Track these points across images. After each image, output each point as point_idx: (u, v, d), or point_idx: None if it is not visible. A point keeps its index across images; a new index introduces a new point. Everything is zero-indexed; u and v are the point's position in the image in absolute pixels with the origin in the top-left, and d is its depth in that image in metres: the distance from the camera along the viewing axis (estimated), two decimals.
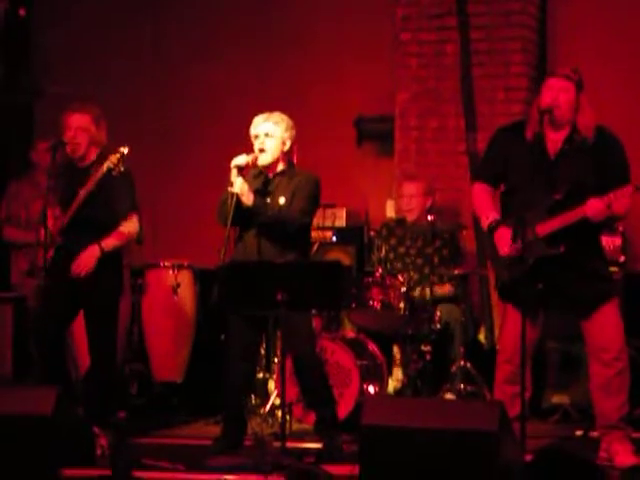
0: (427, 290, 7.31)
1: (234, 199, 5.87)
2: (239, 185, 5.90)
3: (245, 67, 8.83)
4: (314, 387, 6.15)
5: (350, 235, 8.16)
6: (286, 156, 6.10)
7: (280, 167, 6.10)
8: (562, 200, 5.55)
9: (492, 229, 5.70)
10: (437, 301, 7.35)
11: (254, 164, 6.03)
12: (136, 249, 7.01)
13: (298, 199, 6.00)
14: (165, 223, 8.51)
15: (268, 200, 6.02)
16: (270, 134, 6.02)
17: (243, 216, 5.97)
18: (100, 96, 8.86)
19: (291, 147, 6.09)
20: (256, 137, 6.04)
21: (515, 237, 5.50)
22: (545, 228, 5.56)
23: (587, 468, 4.48)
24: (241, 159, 5.95)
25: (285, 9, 8.85)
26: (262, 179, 6.10)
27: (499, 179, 5.84)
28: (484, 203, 5.82)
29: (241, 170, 5.95)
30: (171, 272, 7.84)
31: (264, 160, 6.03)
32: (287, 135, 6.05)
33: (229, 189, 5.90)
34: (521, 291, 5.46)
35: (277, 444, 5.79)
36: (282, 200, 6.00)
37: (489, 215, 5.74)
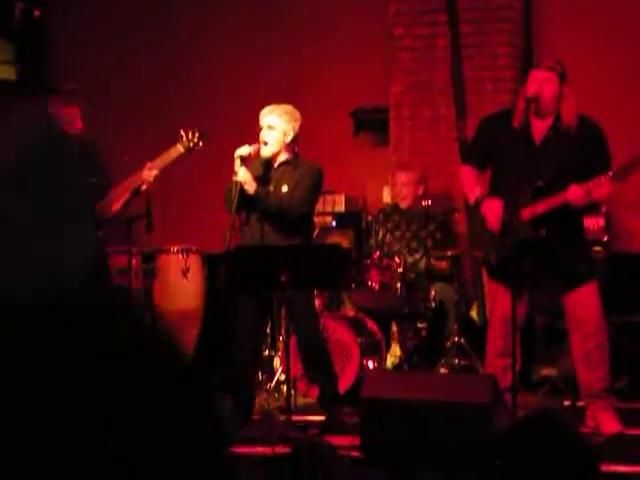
0: (423, 261, 7.32)
1: (238, 187, 5.92)
2: (242, 174, 5.93)
3: (246, 62, 8.84)
4: (317, 363, 6.17)
5: (349, 220, 8.17)
6: (289, 146, 6.10)
7: (284, 157, 6.11)
8: (545, 186, 5.57)
9: (479, 203, 5.75)
10: (433, 276, 7.36)
11: (257, 154, 6.06)
12: (147, 235, 7.03)
13: (300, 189, 6.02)
14: (174, 210, 8.53)
15: (271, 188, 6.05)
16: (272, 126, 6.03)
17: (248, 203, 6.00)
18: (112, 93, 8.92)
19: (294, 138, 6.10)
20: (261, 129, 6.07)
21: (505, 221, 5.56)
22: (528, 212, 5.58)
23: (569, 435, 4.48)
24: (244, 150, 5.98)
25: (283, 6, 8.85)
26: (266, 168, 6.12)
27: (485, 163, 5.90)
28: (470, 181, 5.88)
29: (244, 160, 5.98)
30: (180, 257, 7.85)
31: (266, 152, 6.05)
32: (289, 127, 6.05)
33: (233, 178, 5.94)
34: (508, 271, 5.49)
35: (283, 417, 5.83)
36: (285, 188, 6.02)
37: (475, 190, 5.80)
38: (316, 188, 6.11)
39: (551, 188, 5.56)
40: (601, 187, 5.48)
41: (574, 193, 5.48)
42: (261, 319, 6.25)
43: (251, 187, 5.95)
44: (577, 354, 5.75)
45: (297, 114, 6.09)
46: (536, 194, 5.58)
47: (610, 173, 5.45)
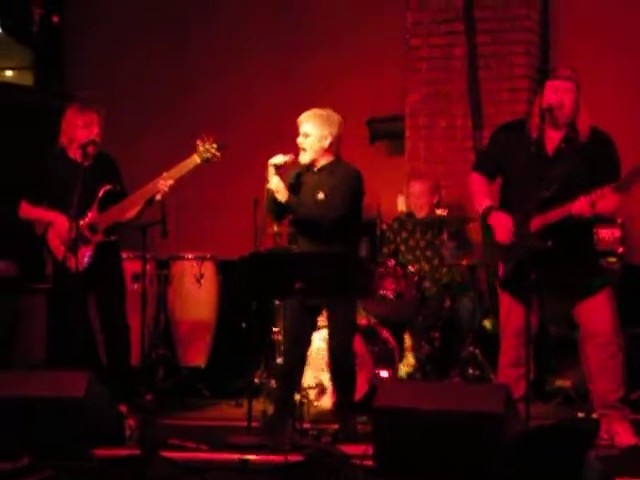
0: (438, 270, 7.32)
1: (270, 195, 5.95)
2: (275, 183, 5.96)
3: (262, 71, 8.84)
4: (344, 374, 6.15)
5: (363, 228, 8.13)
6: (329, 151, 6.06)
7: (323, 162, 6.07)
8: (552, 197, 5.54)
9: (485, 215, 5.75)
10: (449, 286, 7.34)
11: (292, 163, 6.06)
12: (161, 242, 7.03)
13: (335, 195, 5.99)
14: (189, 217, 8.52)
15: (308, 195, 6.03)
16: (308, 133, 6.01)
17: (285, 210, 6.04)
18: (128, 100, 8.93)
19: (333, 141, 6.04)
20: (299, 135, 6.07)
21: (515, 232, 5.56)
22: (535, 223, 5.54)
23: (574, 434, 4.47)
24: (278, 158, 5.99)
25: (300, 15, 8.84)
26: (305, 174, 6.11)
27: (495, 173, 5.89)
28: (479, 191, 5.87)
29: (278, 168, 5.98)
30: (195, 263, 7.85)
31: (303, 159, 6.05)
32: (326, 132, 6.00)
33: (266, 186, 5.95)
34: (516, 282, 5.47)
35: (296, 425, 5.81)
36: (321, 195, 6.01)
37: (482, 202, 5.79)
38: (353, 192, 6.05)
39: (559, 199, 5.53)
40: (605, 199, 5.43)
41: (578, 205, 5.44)
42: (308, 325, 6.21)
43: (283, 196, 5.96)
44: (592, 365, 5.70)
45: (334, 117, 6.05)
46: (544, 205, 5.54)
47: (612, 185, 5.41)
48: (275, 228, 7.48)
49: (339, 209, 5.99)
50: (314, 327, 6.36)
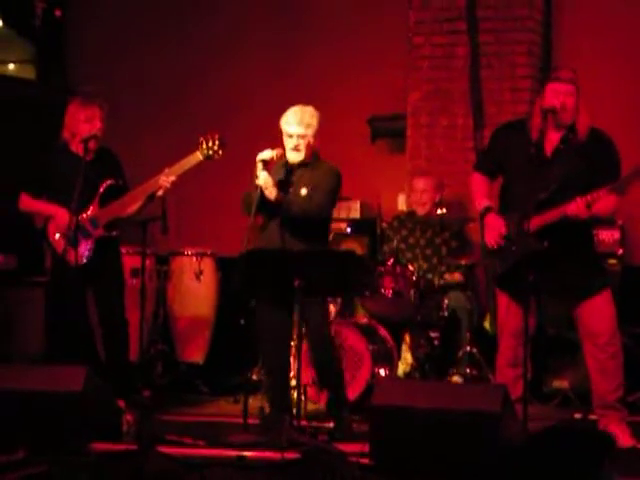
0: (436, 278, 7.34)
1: (258, 191, 5.88)
2: (263, 179, 5.87)
3: (264, 68, 8.84)
4: (328, 370, 6.13)
5: (364, 226, 8.15)
6: (311, 148, 6.08)
7: (304, 159, 6.08)
8: (549, 198, 5.54)
9: (482, 215, 5.77)
10: (446, 288, 7.34)
11: (279, 158, 6.01)
12: (161, 238, 7.04)
13: (319, 193, 5.95)
14: (189, 213, 8.52)
15: (290, 190, 6.00)
16: (304, 134, 5.94)
17: (267, 208, 5.97)
18: (130, 95, 8.93)
19: (316, 137, 6.03)
20: (290, 136, 5.96)
21: (509, 232, 5.57)
22: (532, 224, 5.53)
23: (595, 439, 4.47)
24: (266, 154, 5.92)
25: (302, 13, 8.84)
26: (286, 170, 6.06)
27: (496, 172, 5.91)
28: (479, 190, 5.89)
29: (266, 164, 5.93)
30: (194, 259, 7.85)
31: (297, 158, 5.98)
32: (314, 130, 5.98)
33: (255, 182, 5.90)
34: (514, 282, 5.47)
35: (293, 423, 5.80)
36: (304, 191, 5.97)
37: (481, 202, 5.82)
38: (334, 191, 6.04)
39: (556, 200, 5.53)
40: (601, 200, 5.43)
41: (574, 206, 5.44)
42: (286, 322, 6.15)
43: (272, 193, 5.90)
44: (591, 365, 5.70)
45: (316, 112, 6.01)
46: (541, 205, 5.54)
47: (608, 187, 5.40)
48: None
49: (326, 208, 5.99)
50: (292, 323, 6.32)
